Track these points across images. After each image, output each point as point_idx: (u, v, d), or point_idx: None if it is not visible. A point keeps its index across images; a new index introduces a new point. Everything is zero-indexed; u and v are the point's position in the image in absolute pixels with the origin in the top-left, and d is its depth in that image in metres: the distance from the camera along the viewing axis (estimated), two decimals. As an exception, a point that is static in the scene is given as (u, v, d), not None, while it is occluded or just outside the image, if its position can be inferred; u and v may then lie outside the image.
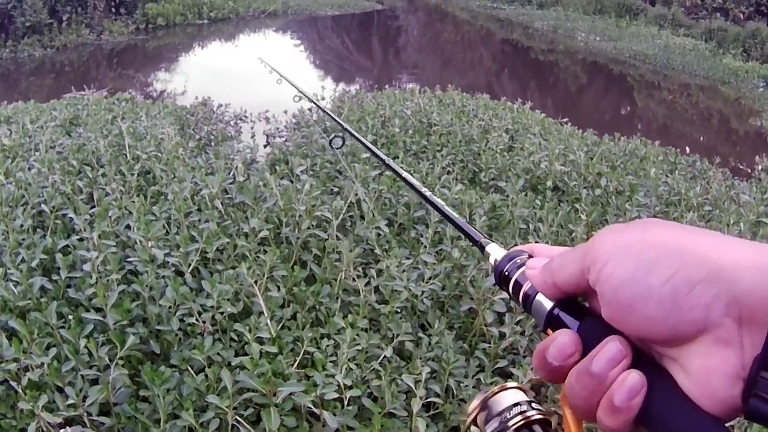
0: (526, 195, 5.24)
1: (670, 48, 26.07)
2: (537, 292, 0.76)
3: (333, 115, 1.99)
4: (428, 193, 1.26)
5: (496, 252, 0.90)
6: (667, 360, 0.65)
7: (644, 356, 0.66)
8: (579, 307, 0.74)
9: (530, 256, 0.83)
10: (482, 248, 0.95)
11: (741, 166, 11.39)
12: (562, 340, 0.69)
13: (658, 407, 0.63)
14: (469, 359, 3.47)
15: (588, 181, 6.24)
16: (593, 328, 0.69)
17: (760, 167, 10.17)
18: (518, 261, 0.82)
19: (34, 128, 7.12)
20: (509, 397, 0.90)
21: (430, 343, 3.42)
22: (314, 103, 2.35)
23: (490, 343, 3.56)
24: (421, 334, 3.53)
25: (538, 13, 34.93)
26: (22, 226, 4.18)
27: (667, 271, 0.61)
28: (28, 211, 4.35)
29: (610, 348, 0.65)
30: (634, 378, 0.63)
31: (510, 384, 0.91)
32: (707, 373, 0.60)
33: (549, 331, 0.74)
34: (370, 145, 1.73)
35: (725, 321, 0.59)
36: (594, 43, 27.64)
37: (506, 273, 0.83)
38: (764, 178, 9.18)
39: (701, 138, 16.58)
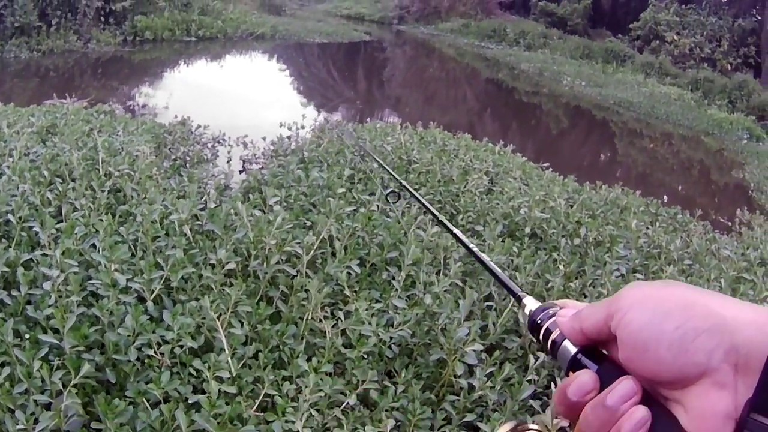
0: (503, 241, 5.14)
1: (655, 96, 26.34)
2: (564, 339, 0.85)
3: (420, 198, 1.96)
4: (476, 249, 1.41)
5: (531, 304, 1.00)
6: (672, 403, 0.72)
7: (652, 397, 0.74)
8: (599, 353, 0.82)
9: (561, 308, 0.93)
10: (519, 300, 1.05)
11: (722, 219, 11.39)
12: (583, 379, 0.78)
13: None
14: (436, 411, 3.38)
15: (567, 230, 6.17)
16: (610, 371, 0.77)
17: (738, 221, 10.17)
18: (550, 312, 0.92)
19: (10, 133, 6.99)
20: None
21: (396, 393, 3.33)
22: (409, 190, 2.29)
23: (459, 396, 3.48)
24: (387, 383, 3.44)
25: (526, 55, 35.15)
26: (-14, 235, 4.06)
27: (678, 319, 0.70)
28: (-6, 220, 4.23)
29: (624, 385, 0.74)
30: (642, 412, 0.72)
31: (530, 426, 1.00)
32: (704, 412, 0.68)
33: (571, 373, 0.83)
34: (426, 203, 1.82)
35: (723, 366, 0.67)
36: (579, 87, 27.79)
37: (539, 321, 0.93)
38: (744, 233, 9.20)
39: (681, 188, 16.61)
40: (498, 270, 1.21)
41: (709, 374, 0.68)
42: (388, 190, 2.58)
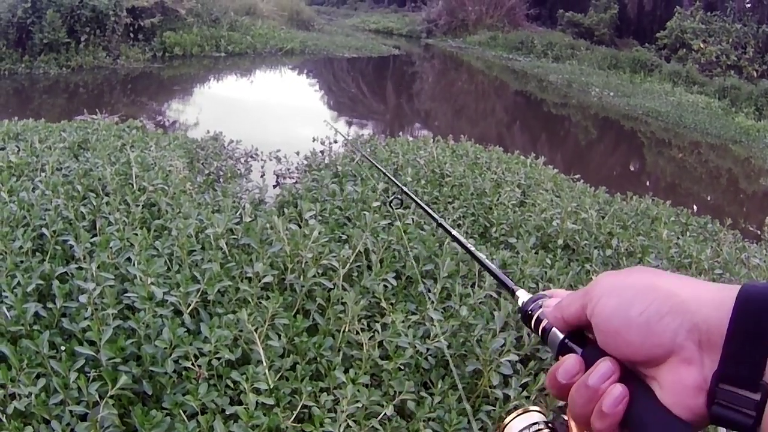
0: (536, 253, 5.12)
1: (682, 105, 26.02)
2: (552, 327, 0.94)
3: (418, 200, 2.07)
4: (472, 248, 1.53)
5: (523, 296, 1.10)
6: (649, 379, 0.79)
7: (631, 374, 0.81)
8: (584, 337, 0.90)
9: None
10: (513, 293, 1.17)
11: (751, 228, 11.28)
12: (569, 362, 0.86)
13: (639, 413, 0.78)
14: (472, 421, 3.37)
15: (599, 241, 6.15)
16: (593, 353, 0.85)
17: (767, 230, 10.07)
18: (540, 302, 1.01)
19: (42, 148, 7.08)
20: (530, 417, 1.07)
21: (432, 403, 3.33)
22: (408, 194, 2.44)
23: (494, 406, 3.47)
24: (423, 393, 3.43)
25: (553, 67, 34.90)
26: (21, 248, 4.12)
27: (641, 305, 0.78)
28: (29, 234, 4.27)
29: (603, 366, 0.81)
30: (618, 389, 0.79)
31: (531, 408, 1.09)
32: (676, 386, 0.76)
33: (560, 357, 0.90)
34: (424, 206, 2.01)
35: (687, 344, 0.75)
36: (607, 98, 27.55)
37: (530, 312, 1.02)
38: (773, 240, 9.08)
39: (710, 197, 16.43)
40: (494, 266, 1.34)
41: (676, 352, 0.75)
42: (392, 197, 2.70)
